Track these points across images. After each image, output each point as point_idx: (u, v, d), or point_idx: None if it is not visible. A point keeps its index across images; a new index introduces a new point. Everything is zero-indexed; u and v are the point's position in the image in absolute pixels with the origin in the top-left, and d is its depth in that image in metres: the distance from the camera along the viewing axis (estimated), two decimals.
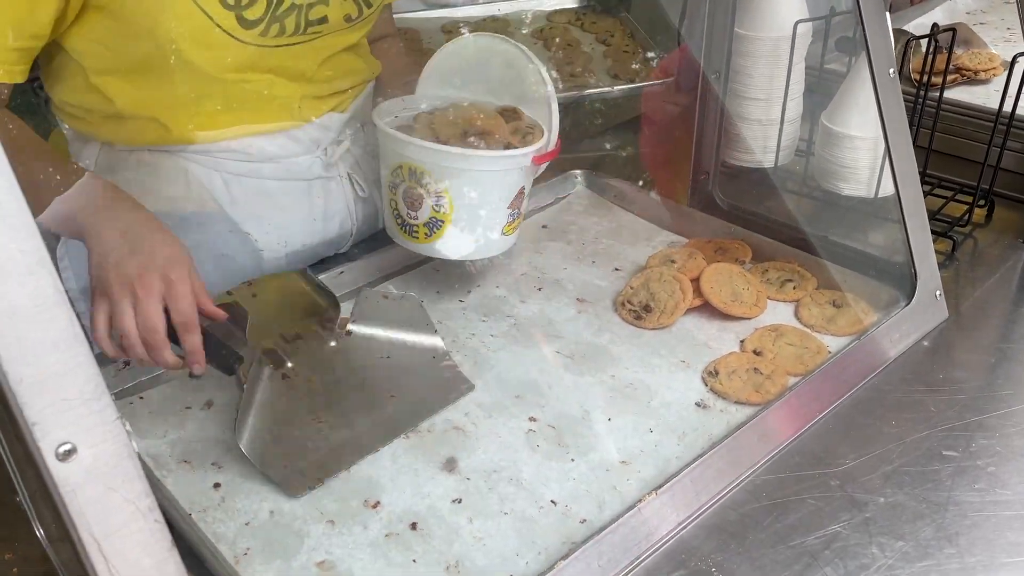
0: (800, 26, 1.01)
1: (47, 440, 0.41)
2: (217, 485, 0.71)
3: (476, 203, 0.84)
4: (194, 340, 0.70)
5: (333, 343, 0.82)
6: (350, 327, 0.84)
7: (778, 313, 0.90)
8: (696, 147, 1.10)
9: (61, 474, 0.42)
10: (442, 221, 0.84)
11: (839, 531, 0.66)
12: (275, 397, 0.76)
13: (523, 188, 0.87)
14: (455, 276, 0.96)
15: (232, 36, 0.81)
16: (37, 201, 0.71)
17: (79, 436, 0.42)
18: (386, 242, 0.96)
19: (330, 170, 0.95)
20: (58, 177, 0.74)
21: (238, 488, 0.70)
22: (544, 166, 0.88)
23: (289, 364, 0.79)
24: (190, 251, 0.72)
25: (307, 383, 0.79)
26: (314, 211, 0.95)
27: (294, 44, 0.85)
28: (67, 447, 0.42)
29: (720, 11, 1.04)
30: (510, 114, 0.88)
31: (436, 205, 0.83)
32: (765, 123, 1.08)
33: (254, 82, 0.85)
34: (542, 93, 0.88)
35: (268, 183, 0.92)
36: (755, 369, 0.81)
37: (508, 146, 0.84)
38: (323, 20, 0.85)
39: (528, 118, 0.89)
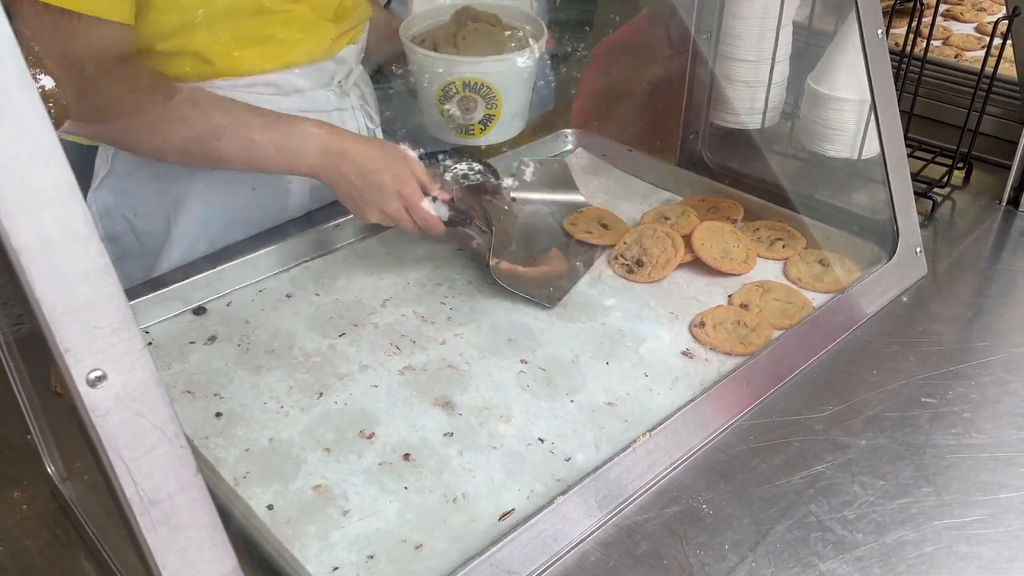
0: None
1: (79, 367, 0.43)
2: (219, 414, 0.73)
3: (519, 93, 1.00)
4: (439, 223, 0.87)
5: (506, 207, 0.97)
6: (513, 195, 1.01)
7: (767, 270, 0.93)
8: (685, 108, 1.12)
9: (92, 400, 0.43)
10: (493, 115, 0.99)
11: (823, 471, 0.69)
12: (500, 246, 0.89)
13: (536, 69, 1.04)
14: None
15: None
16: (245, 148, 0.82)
17: (109, 363, 0.43)
18: None
19: (344, 101, 0.97)
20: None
21: (238, 417, 0.73)
22: None
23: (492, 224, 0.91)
24: (403, 150, 0.87)
25: (506, 236, 0.91)
26: None
27: None
28: (98, 373, 0.43)
29: None
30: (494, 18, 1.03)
31: (489, 104, 0.97)
32: (753, 84, 1.09)
33: (292, 12, 0.88)
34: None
35: (294, 112, 0.93)
36: (740, 322, 0.84)
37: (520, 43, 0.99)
38: None
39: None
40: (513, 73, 0.98)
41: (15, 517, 0.67)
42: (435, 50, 0.97)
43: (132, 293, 0.83)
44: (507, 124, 1.01)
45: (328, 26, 0.93)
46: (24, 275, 0.41)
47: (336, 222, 0.96)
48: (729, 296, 0.89)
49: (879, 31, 0.85)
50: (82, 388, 0.43)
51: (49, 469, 0.67)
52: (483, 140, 1.02)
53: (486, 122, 0.99)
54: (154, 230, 0.95)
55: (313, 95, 0.94)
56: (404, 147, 0.88)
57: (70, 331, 0.42)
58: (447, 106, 0.98)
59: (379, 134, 1.07)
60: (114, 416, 0.44)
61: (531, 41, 1.00)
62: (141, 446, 0.45)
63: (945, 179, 1.07)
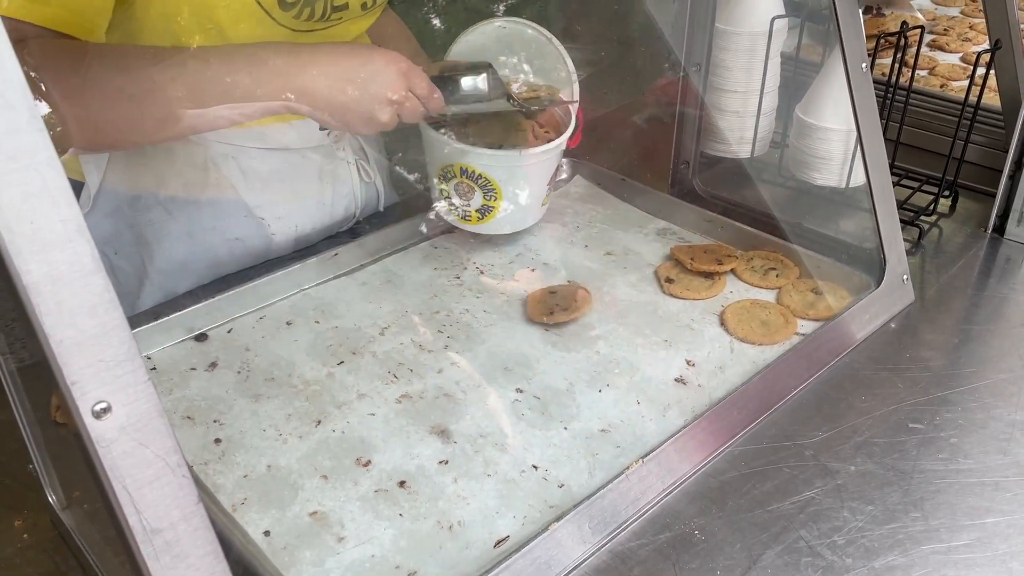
0: (777, 22, 1.05)
1: (85, 399, 0.44)
2: (218, 440, 0.74)
3: (524, 189, 0.94)
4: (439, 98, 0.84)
5: None
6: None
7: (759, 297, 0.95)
8: (677, 137, 1.14)
9: (97, 431, 0.44)
10: (492, 207, 0.94)
11: (813, 496, 0.71)
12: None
13: (559, 165, 0.98)
14: (451, 254, 1.01)
15: (270, 15, 0.83)
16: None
17: (114, 395, 0.45)
18: (379, 225, 1.00)
19: (337, 156, 0.98)
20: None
21: (237, 444, 0.74)
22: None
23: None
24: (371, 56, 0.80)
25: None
26: (323, 196, 0.99)
27: (316, 30, 0.88)
28: (103, 405, 0.44)
29: (701, 7, 1.08)
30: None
31: (487, 195, 0.93)
32: (742, 115, 1.12)
33: None
34: (564, 75, 0.95)
35: (283, 169, 0.94)
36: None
37: (543, 135, 0.94)
38: (344, 7, 0.89)
39: (548, 88, 0.97)
40: (518, 169, 0.92)
41: (16, 546, 0.68)
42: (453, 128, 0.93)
43: (136, 320, 0.85)
44: (509, 216, 0.96)
45: None
46: (33, 311, 0.42)
47: (335, 251, 0.97)
48: (720, 319, 0.90)
49: (863, 64, 0.88)
50: (87, 419, 0.44)
51: (50, 498, 0.68)
52: (482, 229, 0.97)
53: (484, 212, 0.95)
54: (133, 268, 0.95)
55: (304, 149, 0.95)
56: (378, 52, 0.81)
57: (76, 364, 0.43)
58: (445, 187, 0.95)
59: (379, 185, 1.07)
60: (118, 446, 0.45)
61: (551, 133, 0.94)
62: (144, 476, 0.46)
63: (931, 207, 1.10)
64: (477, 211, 0.94)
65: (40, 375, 0.68)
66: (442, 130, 0.92)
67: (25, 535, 0.69)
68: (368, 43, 0.81)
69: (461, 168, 0.91)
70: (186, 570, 0.47)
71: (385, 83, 0.79)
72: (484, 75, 0.88)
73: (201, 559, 0.47)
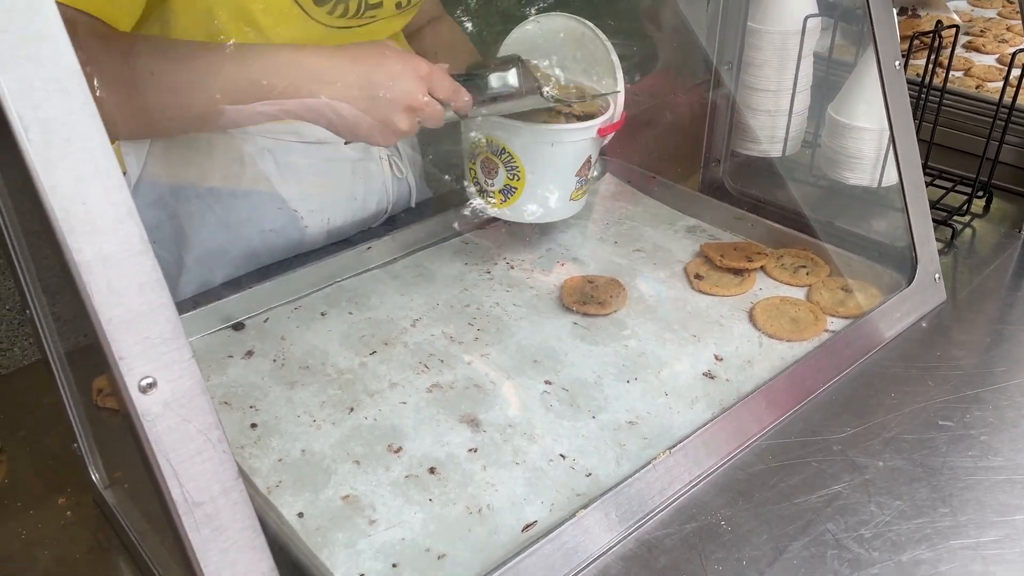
0: (810, 21, 1.05)
1: (131, 374, 0.46)
2: (254, 425, 0.76)
3: (547, 172, 0.91)
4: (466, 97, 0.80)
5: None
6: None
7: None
8: (708, 136, 1.14)
9: (143, 405, 0.46)
10: (515, 188, 0.91)
11: (840, 491, 0.71)
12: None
13: (590, 157, 0.94)
14: (482, 249, 1.02)
15: (305, 11, 0.84)
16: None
17: (159, 371, 0.46)
18: (411, 220, 1.02)
19: (370, 152, 1.00)
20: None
21: (273, 429, 0.76)
22: (609, 136, 0.94)
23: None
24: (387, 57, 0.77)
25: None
26: (355, 190, 1.01)
27: (351, 27, 0.90)
28: (148, 380, 0.46)
29: (733, 5, 1.08)
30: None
31: (510, 174, 0.90)
32: (774, 114, 1.12)
33: None
34: (609, 68, 0.93)
35: (317, 163, 0.96)
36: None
37: (578, 118, 0.90)
38: (379, 5, 0.90)
39: (591, 88, 0.95)
40: (542, 146, 0.89)
41: (59, 523, 0.70)
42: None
43: (176, 309, 0.87)
44: (535, 204, 0.93)
45: None
46: (84, 289, 0.44)
47: (368, 245, 0.99)
48: (749, 315, 0.91)
49: (897, 63, 0.88)
50: (134, 394, 0.46)
51: (93, 477, 0.70)
52: (505, 213, 0.94)
53: (507, 193, 0.92)
54: (171, 258, 0.98)
55: (338, 144, 0.97)
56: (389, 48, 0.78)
57: (125, 340, 0.45)
58: (473, 165, 0.93)
59: (411, 181, 1.09)
60: (163, 421, 0.47)
61: (580, 117, 0.90)
62: (187, 450, 0.48)
63: (965, 207, 1.09)
64: (500, 192, 0.92)
65: (85, 360, 0.71)
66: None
67: (68, 512, 0.71)
68: (391, 44, 0.79)
69: (487, 141, 0.90)
70: (225, 542, 0.49)
71: (403, 89, 0.75)
72: (513, 70, 0.82)
73: (240, 532, 0.49)
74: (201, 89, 0.74)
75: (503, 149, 0.89)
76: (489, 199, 0.94)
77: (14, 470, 0.76)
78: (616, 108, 0.93)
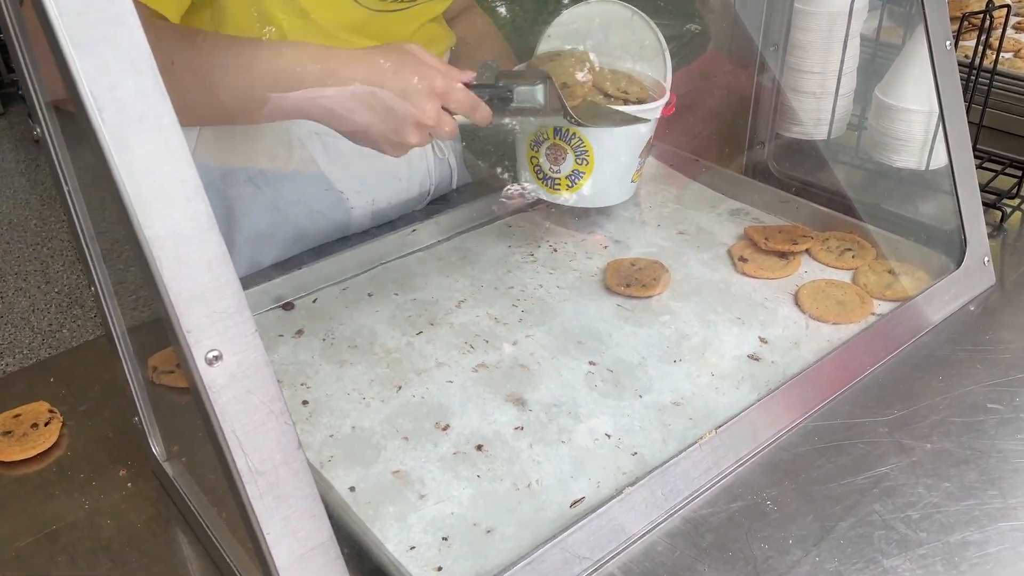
0: (857, 1, 1.04)
1: (199, 346, 0.47)
2: (305, 402, 0.78)
3: (615, 155, 0.92)
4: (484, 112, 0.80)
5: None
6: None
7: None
8: (752, 118, 1.14)
9: (209, 377, 0.48)
10: (583, 173, 0.92)
11: (887, 472, 0.71)
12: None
13: (650, 139, 0.95)
14: (525, 232, 1.03)
15: None
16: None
17: (225, 344, 0.48)
18: (453, 203, 1.03)
19: None
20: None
21: (323, 406, 0.77)
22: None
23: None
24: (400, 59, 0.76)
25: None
26: (399, 172, 1.02)
27: (395, 11, 0.91)
28: (215, 353, 0.47)
29: None
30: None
31: (579, 159, 0.91)
32: (819, 96, 1.11)
33: (354, 46, 0.91)
34: (657, 50, 0.94)
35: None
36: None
37: (638, 101, 0.91)
38: None
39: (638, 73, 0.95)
40: (614, 130, 0.90)
41: (120, 493, 0.73)
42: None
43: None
44: (601, 188, 0.93)
45: None
46: (155, 263, 0.46)
47: (412, 228, 1.01)
48: (794, 298, 0.91)
49: (947, 43, 0.86)
50: (201, 366, 0.47)
51: (153, 449, 0.72)
52: (571, 199, 0.94)
53: (574, 179, 0.92)
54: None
55: None
56: (404, 50, 0.76)
57: (193, 314, 0.47)
58: (535, 153, 0.93)
59: (452, 162, 1.10)
60: (228, 392, 0.48)
61: (641, 102, 0.91)
62: (251, 421, 0.49)
63: (1015, 190, 1.07)
64: (567, 177, 0.92)
65: (147, 336, 0.73)
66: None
67: (129, 484, 0.74)
68: (416, 48, 0.77)
69: (555, 130, 0.90)
70: (287, 510, 0.50)
71: (415, 104, 0.74)
72: (541, 87, 0.81)
73: (301, 500, 0.51)
74: (220, 83, 0.74)
75: (573, 134, 0.90)
76: (555, 188, 0.94)
77: (75, 443, 0.78)
78: (668, 87, 0.94)
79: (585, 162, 0.91)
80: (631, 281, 0.92)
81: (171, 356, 0.82)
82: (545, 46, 0.98)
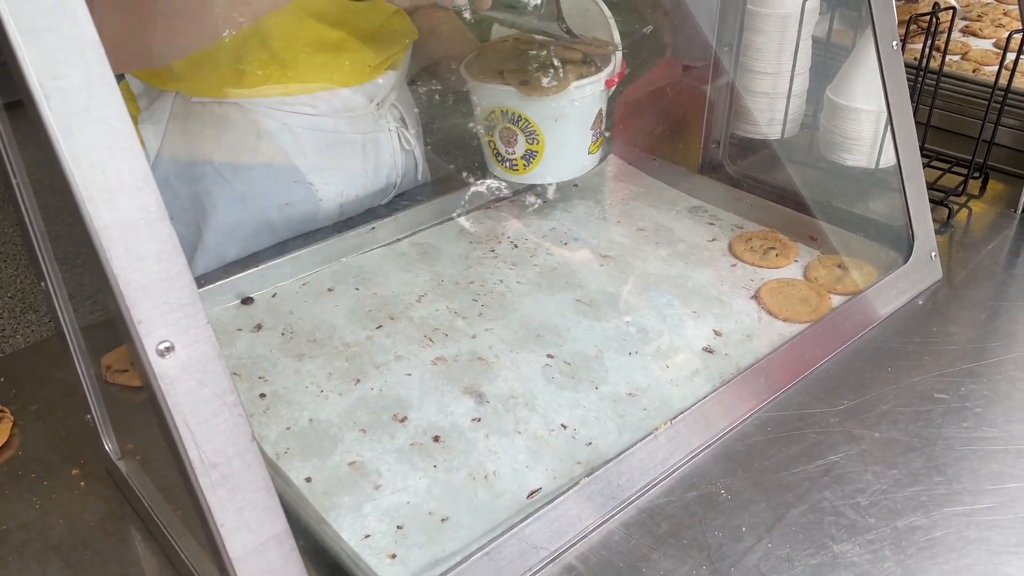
0: (808, 3, 1.06)
1: (150, 338, 0.47)
2: (263, 395, 0.78)
3: (563, 130, 0.94)
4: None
5: None
6: None
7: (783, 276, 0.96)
8: (707, 118, 1.15)
9: (161, 368, 0.47)
10: (536, 152, 0.95)
11: (837, 460, 0.72)
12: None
13: (601, 109, 0.97)
14: (486, 229, 1.04)
15: None
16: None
17: (176, 336, 0.47)
18: (415, 200, 1.04)
19: (380, 124, 1.02)
20: None
21: (281, 399, 0.78)
22: (614, 87, 0.97)
23: None
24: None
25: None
26: (367, 163, 1.03)
27: None
28: (166, 344, 0.47)
29: None
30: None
31: (529, 139, 0.94)
32: (773, 96, 1.13)
33: (327, 38, 0.91)
34: (602, 22, 0.96)
35: (330, 136, 0.98)
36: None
37: (580, 75, 0.93)
38: None
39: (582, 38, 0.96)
40: (554, 107, 0.92)
41: (73, 492, 0.72)
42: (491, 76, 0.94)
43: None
44: (557, 163, 0.97)
45: (367, 53, 0.97)
46: (104, 254, 0.45)
47: (372, 225, 1.01)
48: (753, 296, 0.92)
49: (894, 43, 0.89)
50: (152, 358, 0.47)
51: (106, 446, 0.71)
52: (529, 178, 0.98)
53: (529, 158, 0.96)
54: (189, 233, 1.00)
55: (350, 116, 0.99)
56: None
57: (143, 305, 0.46)
58: (491, 137, 0.96)
59: (417, 155, 1.11)
60: (180, 384, 0.48)
61: (586, 73, 0.93)
62: (204, 412, 0.49)
63: (961, 188, 1.10)
64: (522, 158, 0.95)
65: (99, 333, 0.72)
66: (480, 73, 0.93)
67: (82, 483, 0.73)
68: None
69: (502, 112, 0.93)
70: (241, 502, 0.50)
71: None
72: None
73: (255, 492, 0.51)
74: None
75: (519, 116, 0.93)
76: (514, 169, 0.97)
77: (27, 443, 0.77)
78: (616, 61, 0.96)
79: (535, 141, 0.94)
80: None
81: (125, 355, 0.81)
82: (498, 33, 1.00)
